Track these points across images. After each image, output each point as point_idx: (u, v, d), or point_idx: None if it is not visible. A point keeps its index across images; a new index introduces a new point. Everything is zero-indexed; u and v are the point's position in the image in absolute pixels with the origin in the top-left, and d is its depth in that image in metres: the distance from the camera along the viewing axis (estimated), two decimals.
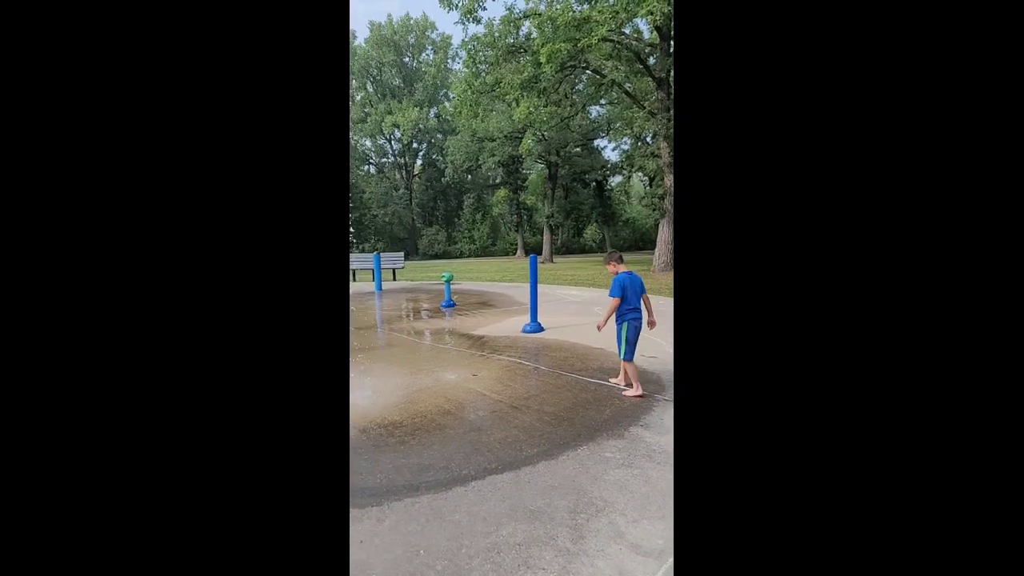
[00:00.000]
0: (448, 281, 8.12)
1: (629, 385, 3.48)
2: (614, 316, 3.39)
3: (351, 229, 32.34)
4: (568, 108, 16.98)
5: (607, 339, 5.24)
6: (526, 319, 6.11)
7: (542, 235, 25.58)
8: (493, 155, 24.82)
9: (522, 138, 20.82)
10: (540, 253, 23.96)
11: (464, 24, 12.83)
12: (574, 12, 10.87)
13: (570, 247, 35.20)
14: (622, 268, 3.43)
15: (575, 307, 7.74)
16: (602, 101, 19.85)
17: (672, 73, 11.70)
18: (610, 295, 3.38)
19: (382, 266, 12.06)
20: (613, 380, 3.73)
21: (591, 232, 36.50)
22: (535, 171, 28.80)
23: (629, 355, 3.37)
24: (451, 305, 8.04)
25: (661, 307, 5.87)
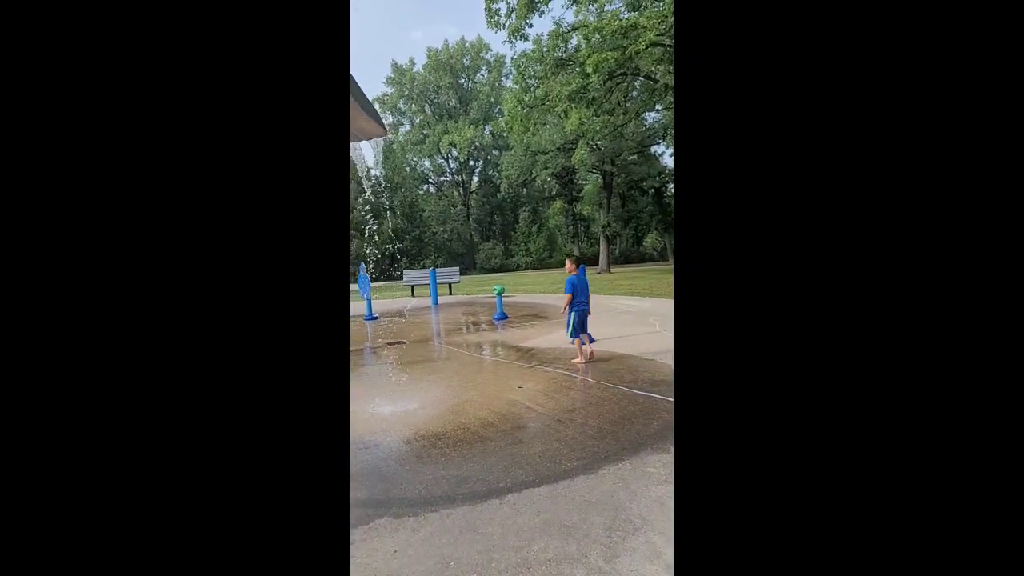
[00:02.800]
0: (499, 294, 8.20)
1: (587, 360, 4.69)
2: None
3: (401, 246, 33.54)
4: (621, 116, 16.76)
5: (660, 349, 5.06)
6: None
7: (599, 245, 25.24)
8: (546, 168, 24.99)
9: (574, 149, 20.82)
10: (597, 263, 23.63)
11: (512, 42, 13.09)
12: (621, 20, 10.78)
13: (629, 256, 34.46)
14: (574, 271, 4.72)
15: (629, 317, 7.54)
16: (657, 106, 19.40)
17: None
18: (565, 292, 4.68)
19: (438, 281, 12.39)
20: (574, 361, 4.75)
21: (651, 240, 35.59)
22: (590, 181, 28.58)
23: (575, 335, 4.64)
24: (503, 317, 8.09)
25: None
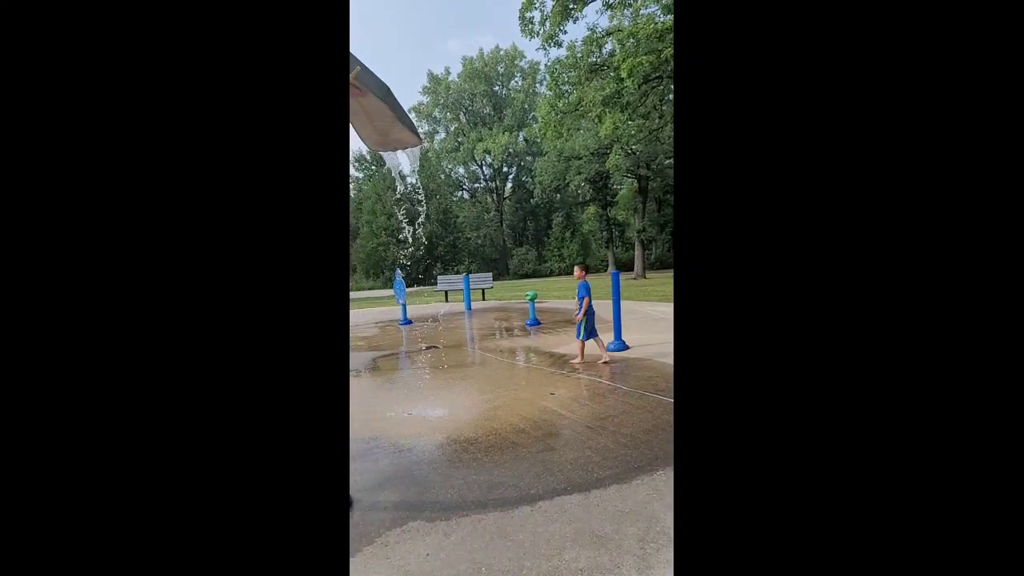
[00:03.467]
0: (532, 300, 8.20)
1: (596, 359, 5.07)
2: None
3: (422, 251, 33.94)
4: (657, 120, 16.53)
5: None
6: (610, 337, 5.96)
7: (634, 250, 24.85)
8: (580, 173, 24.87)
9: (609, 154, 20.65)
10: (632, 269, 23.27)
11: (546, 49, 13.14)
12: (656, 24, 10.67)
13: (665, 261, 33.77)
14: (583, 277, 5.09)
15: (664, 324, 7.40)
16: None
17: None
18: (583, 296, 4.92)
19: (472, 286, 12.50)
20: (574, 361, 5.09)
21: None
22: (625, 186, 28.26)
23: (587, 337, 4.99)
24: (536, 323, 8.09)
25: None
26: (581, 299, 4.95)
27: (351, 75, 2.28)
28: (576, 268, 5.27)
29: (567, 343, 6.36)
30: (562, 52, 13.96)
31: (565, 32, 12.80)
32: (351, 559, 1.87)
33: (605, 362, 4.94)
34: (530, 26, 12.71)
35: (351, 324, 11.08)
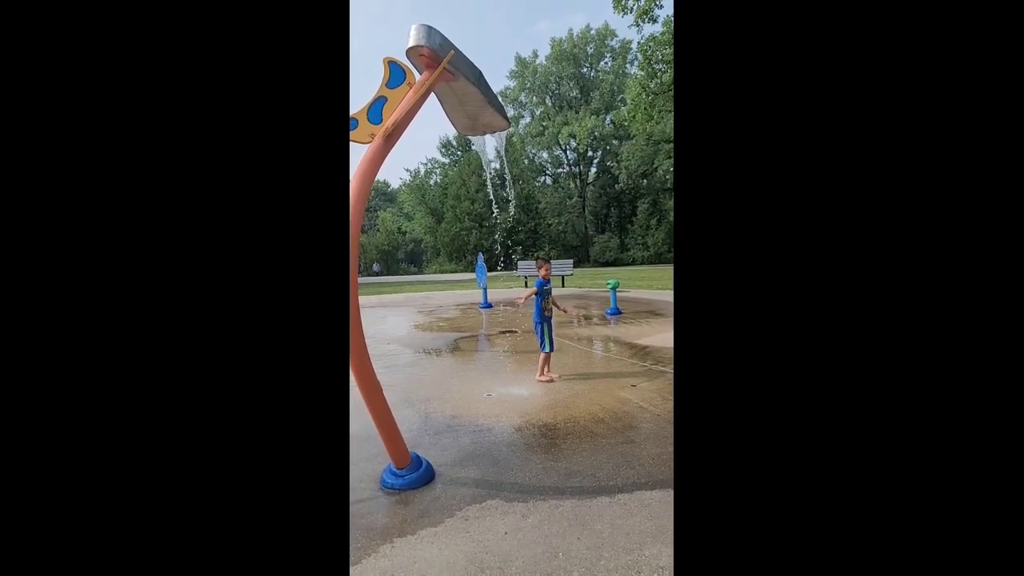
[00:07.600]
0: (614, 288, 8.01)
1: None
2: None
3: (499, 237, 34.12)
4: None
5: None
6: None
7: None
8: (670, 157, 23.75)
9: None
10: None
11: (639, 25, 12.55)
12: None
13: None
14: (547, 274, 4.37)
15: None
16: None
17: None
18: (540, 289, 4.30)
19: (552, 273, 12.47)
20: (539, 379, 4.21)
21: None
22: None
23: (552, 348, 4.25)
24: (617, 312, 7.91)
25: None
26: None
27: (444, 60, 2.31)
28: (542, 263, 4.34)
29: (649, 334, 6.15)
30: (657, 28, 13.25)
31: (661, 7, 12.12)
32: (433, 529, 1.96)
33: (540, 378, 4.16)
34: (623, 1, 12.19)
35: (435, 304, 11.57)
